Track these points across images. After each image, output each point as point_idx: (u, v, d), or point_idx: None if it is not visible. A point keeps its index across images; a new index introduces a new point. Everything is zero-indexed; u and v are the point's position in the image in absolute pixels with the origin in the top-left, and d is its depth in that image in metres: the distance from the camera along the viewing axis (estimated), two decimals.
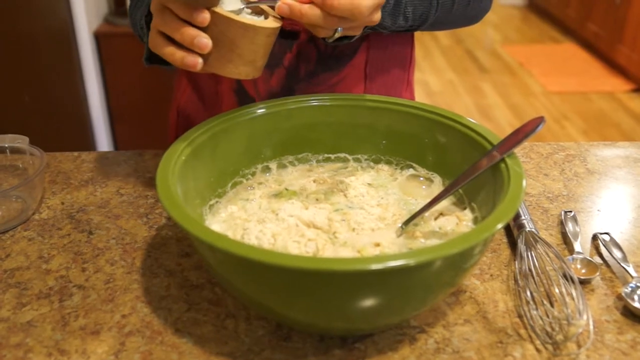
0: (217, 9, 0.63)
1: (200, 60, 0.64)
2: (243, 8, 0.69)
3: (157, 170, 0.61)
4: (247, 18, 0.66)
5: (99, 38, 2.26)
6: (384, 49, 0.91)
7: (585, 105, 3.43)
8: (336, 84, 0.89)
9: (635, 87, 3.61)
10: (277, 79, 0.88)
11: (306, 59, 0.87)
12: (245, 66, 0.66)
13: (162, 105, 1.61)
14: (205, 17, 0.62)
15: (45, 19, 2.11)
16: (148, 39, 0.68)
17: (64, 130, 2.29)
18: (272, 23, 0.67)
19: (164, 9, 0.64)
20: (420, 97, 3.45)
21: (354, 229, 0.64)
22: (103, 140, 2.39)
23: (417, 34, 0.98)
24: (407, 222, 0.65)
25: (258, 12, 0.70)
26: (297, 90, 0.88)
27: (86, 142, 2.34)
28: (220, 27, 0.63)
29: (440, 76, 3.86)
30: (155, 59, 0.78)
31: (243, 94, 0.90)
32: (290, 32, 0.85)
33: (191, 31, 0.62)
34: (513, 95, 3.56)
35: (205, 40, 0.62)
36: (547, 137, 3.00)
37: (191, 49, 0.63)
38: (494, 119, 3.25)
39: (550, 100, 3.50)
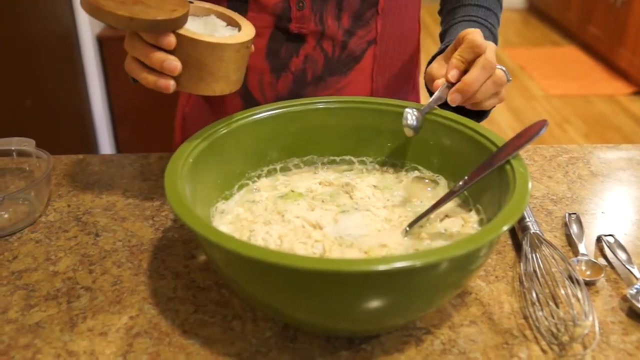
0: (182, 31, 0.64)
1: (172, 83, 0.65)
2: (215, 22, 0.69)
3: (165, 172, 0.61)
4: (216, 36, 0.67)
5: (102, 41, 2.27)
6: (390, 52, 0.91)
7: (587, 108, 3.44)
8: (343, 87, 0.90)
9: (636, 90, 3.61)
10: (283, 84, 0.88)
11: (313, 63, 0.87)
12: (217, 83, 0.67)
13: (164, 108, 1.62)
14: (170, 40, 0.63)
15: (49, 23, 2.12)
16: None
17: (67, 133, 2.29)
18: (241, 37, 0.67)
19: (133, 34, 0.66)
20: (421, 101, 3.45)
21: None
22: (105, 143, 2.40)
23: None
24: (412, 224, 0.65)
25: (233, 24, 0.71)
26: (304, 94, 0.89)
27: (89, 144, 2.35)
28: (187, 49, 0.64)
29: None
30: None
31: (249, 99, 0.91)
32: (297, 35, 0.85)
33: (159, 55, 0.64)
34: (514, 99, 3.56)
35: (174, 63, 0.64)
36: (549, 140, 3.01)
37: (159, 70, 0.65)
38: (495, 123, 3.25)
39: (551, 103, 3.50)
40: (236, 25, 0.70)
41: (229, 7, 0.76)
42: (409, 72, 0.97)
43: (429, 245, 0.63)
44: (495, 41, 0.88)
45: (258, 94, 0.90)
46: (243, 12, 0.83)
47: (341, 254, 0.61)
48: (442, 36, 0.91)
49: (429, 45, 4.44)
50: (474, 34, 0.72)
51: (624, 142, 3.03)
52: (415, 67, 0.98)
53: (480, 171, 0.64)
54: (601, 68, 3.98)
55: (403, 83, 0.96)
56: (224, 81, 0.67)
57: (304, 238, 0.62)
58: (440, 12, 0.98)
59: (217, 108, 0.95)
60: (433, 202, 0.66)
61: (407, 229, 0.65)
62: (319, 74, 0.88)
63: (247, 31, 0.69)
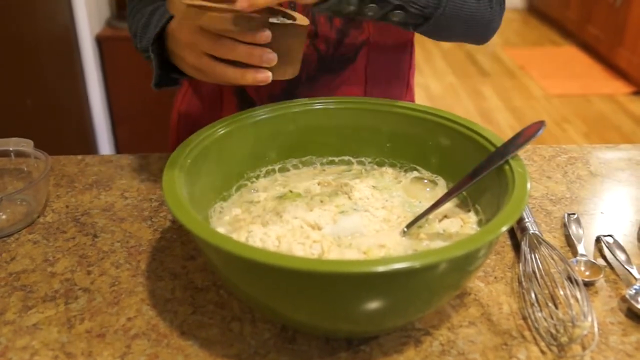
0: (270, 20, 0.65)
1: (269, 74, 0.66)
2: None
3: (163, 173, 0.61)
4: (285, 21, 0.69)
5: (101, 42, 2.27)
6: (384, 53, 0.91)
7: (586, 108, 3.44)
8: (337, 87, 0.90)
9: (635, 89, 3.61)
10: (277, 82, 0.88)
11: (306, 62, 0.87)
12: (297, 65, 0.70)
13: (164, 109, 1.61)
14: (267, 35, 0.64)
15: (48, 23, 2.11)
16: (166, 66, 0.72)
17: (66, 133, 2.29)
18: (304, 20, 0.69)
19: (219, 37, 0.66)
20: (421, 100, 3.45)
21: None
22: (105, 143, 2.39)
23: (419, 38, 0.98)
24: (411, 225, 0.65)
25: (274, 12, 0.72)
26: (297, 93, 0.89)
27: (88, 145, 2.34)
28: (276, 36, 0.65)
29: (441, 80, 3.86)
30: (164, 82, 0.79)
31: (244, 97, 0.91)
32: None
33: (257, 50, 0.65)
34: (514, 99, 3.56)
35: (271, 55, 0.65)
36: (548, 140, 3.01)
37: (259, 65, 0.66)
38: (494, 122, 3.25)
39: (550, 103, 3.50)
40: (277, 12, 0.71)
41: None
42: (403, 73, 0.97)
43: (428, 246, 0.63)
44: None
45: (252, 92, 0.90)
46: None
47: (340, 255, 0.61)
48: None
49: (430, 46, 4.44)
50: None
51: (623, 141, 3.03)
52: (409, 68, 0.98)
53: (479, 171, 0.64)
54: (601, 68, 3.97)
55: (397, 84, 0.96)
56: (298, 62, 0.70)
57: (303, 239, 0.62)
58: None
59: (211, 106, 0.95)
60: (432, 202, 0.66)
61: (406, 229, 0.65)
62: (312, 73, 0.88)
63: (301, 16, 0.70)
